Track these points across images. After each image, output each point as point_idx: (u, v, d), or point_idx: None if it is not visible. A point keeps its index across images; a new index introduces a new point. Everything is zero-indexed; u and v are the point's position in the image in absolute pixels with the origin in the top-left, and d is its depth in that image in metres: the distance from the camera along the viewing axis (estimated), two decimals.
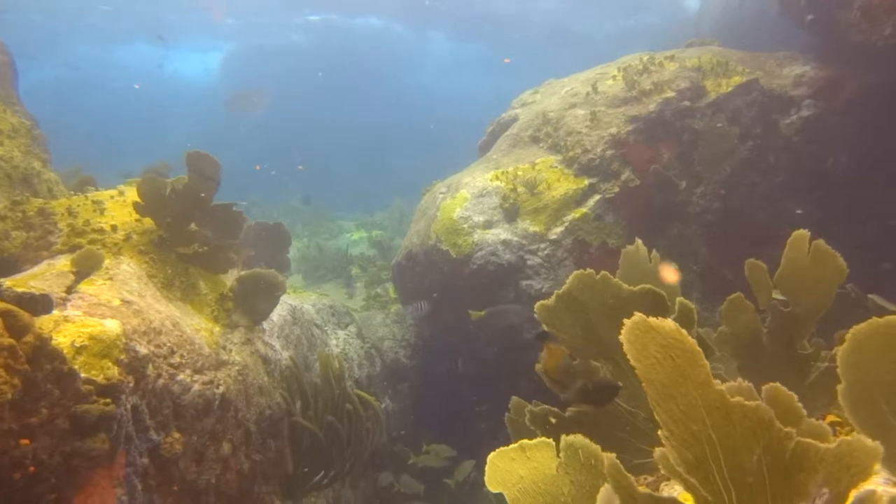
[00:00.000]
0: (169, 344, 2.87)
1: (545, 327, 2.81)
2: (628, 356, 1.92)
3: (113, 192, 3.77)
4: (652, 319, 1.94)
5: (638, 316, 1.94)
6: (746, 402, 1.25)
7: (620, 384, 2.55)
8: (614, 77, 5.92)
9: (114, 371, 2.38)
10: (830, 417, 2.57)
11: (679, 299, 2.74)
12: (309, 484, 3.85)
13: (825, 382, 2.55)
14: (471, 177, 5.98)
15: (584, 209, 5.40)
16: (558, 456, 2.44)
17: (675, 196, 5.30)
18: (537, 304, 2.76)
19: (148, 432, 2.58)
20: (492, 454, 2.51)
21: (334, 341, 5.65)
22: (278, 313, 4.48)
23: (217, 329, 3.49)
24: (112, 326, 2.53)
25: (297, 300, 5.24)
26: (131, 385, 2.49)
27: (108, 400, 2.27)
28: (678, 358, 1.46)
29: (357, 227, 11.11)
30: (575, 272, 2.70)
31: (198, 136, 24.29)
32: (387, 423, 5.84)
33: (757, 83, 5.34)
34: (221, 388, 3.12)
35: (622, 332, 1.65)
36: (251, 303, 3.87)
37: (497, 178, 5.78)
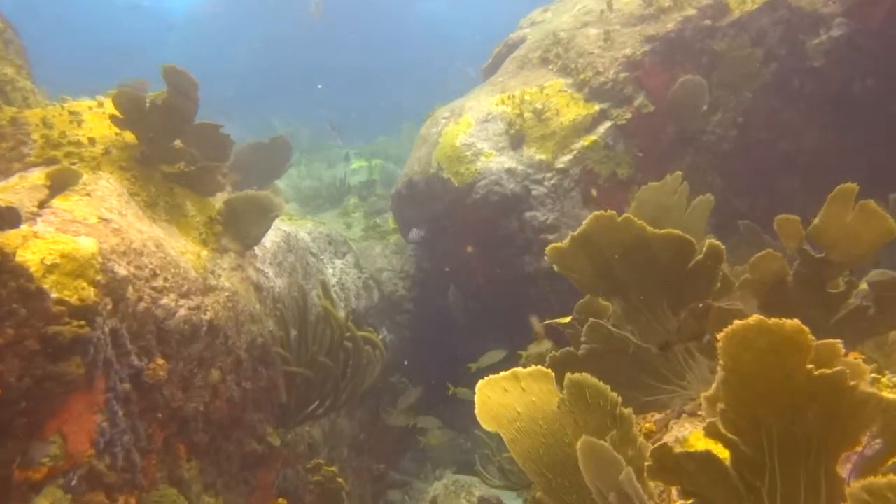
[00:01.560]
0: (151, 266, 2.70)
1: (556, 268, 2.63)
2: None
3: (91, 102, 3.52)
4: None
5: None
6: (827, 373, 1.07)
7: None
8: None
9: (89, 292, 2.23)
10: (854, 355, 2.44)
11: (709, 241, 2.55)
12: (303, 414, 3.78)
13: (854, 319, 2.39)
14: (475, 101, 5.68)
15: (593, 137, 5.14)
16: (560, 391, 2.32)
17: (693, 123, 5.02)
18: (549, 248, 2.57)
19: (129, 357, 2.45)
20: (481, 382, 2.36)
21: (331, 270, 5.51)
22: (271, 239, 4.31)
23: (205, 253, 3.33)
24: (87, 244, 2.35)
25: (292, 227, 5.07)
26: (109, 307, 2.34)
27: (83, 322, 2.12)
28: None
29: (357, 156, 10.81)
30: (594, 213, 2.49)
31: (192, 64, 23.50)
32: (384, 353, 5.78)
33: (785, 0, 4.97)
34: (209, 314, 2.98)
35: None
36: (242, 226, 3.69)
37: (503, 102, 5.48)
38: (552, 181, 5.13)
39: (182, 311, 2.78)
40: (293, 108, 18.33)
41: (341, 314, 4.19)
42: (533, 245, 5.27)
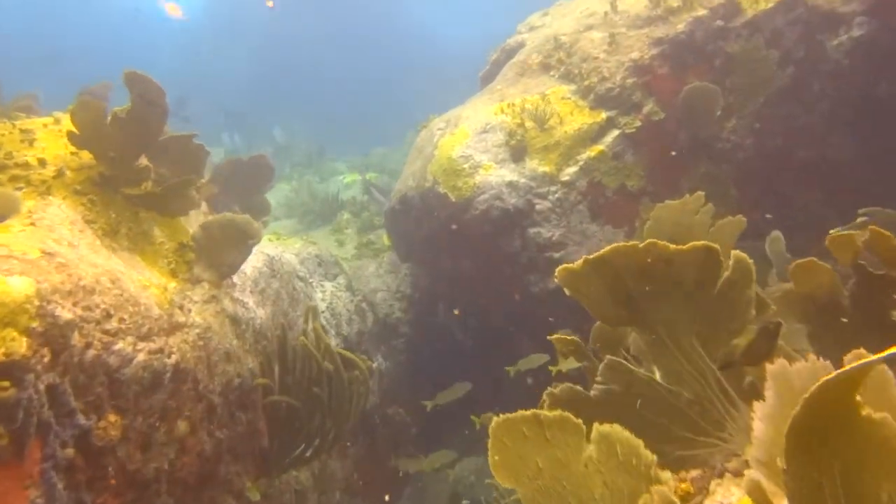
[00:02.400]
0: (104, 305, 2.35)
1: (568, 291, 2.30)
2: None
3: (47, 119, 3.18)
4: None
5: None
6: None
7: None
8: None
9: (19, 343, 1.88)
10: None
11: (735, 253, 2.22)
12: (288, 459, 3.42)
13: None
14: (472, 110, 5.36)
15: (600, 147, 4.82)
16: (587, 440, 1.99)
17: (707, 130, 4.70)
18: (559, 269, 2.26)
19: (74, 417, 2.09)
20: (496, 423, 2.04)
21: (320, 295, 5.16)
22: (253, 265, 3.96)
23: (173, 285, 2.98)
24: (19, 285, 2.00)
25: (277, 249, 4.72)
26: (47, 359, 1.99)
27: (7, 383, 1.77)
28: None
29: (350, 169, 10.49)
30: (614, 245, 2.18)
31: (184, 74, 23.26)
32: (379, 382, 5.43)
33: None
34: (174, 357, 2.63)
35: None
36: (218, 253, 3.34)
37: (502, 111, 5.16)
38: (557, 195, 4.80)
39: (141, 357, 2.43)
40: (291, 121, 18.06)
41: (330, 341, 3.84)
42: (538, 263, 4.93)
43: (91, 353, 2.21)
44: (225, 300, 3.35)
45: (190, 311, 2.97)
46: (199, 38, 23.76)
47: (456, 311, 5.63)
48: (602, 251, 2.23)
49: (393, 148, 12.62)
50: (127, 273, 2.68)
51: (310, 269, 5.41)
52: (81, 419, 2.12)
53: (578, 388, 2.42)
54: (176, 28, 24.81)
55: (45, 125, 3.11)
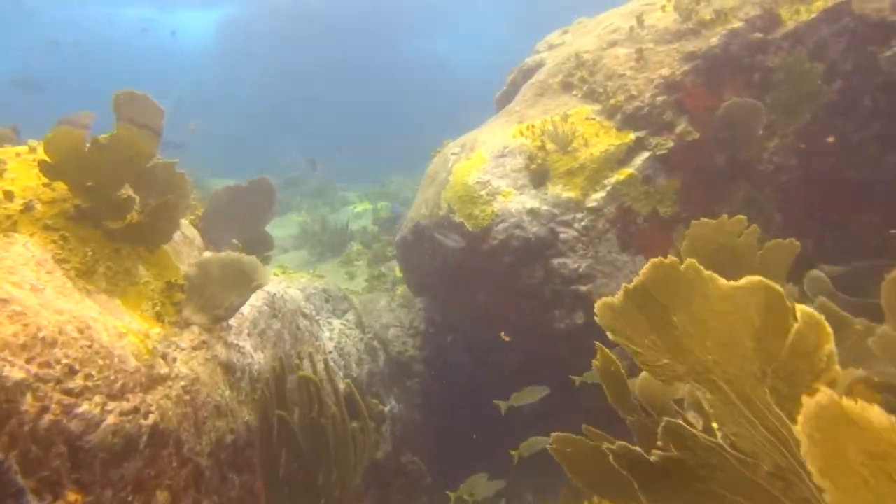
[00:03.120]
0: (67, 360, 2.03)
1: (611, 335, 1.94)
2: (809, 461, 1.25)
3: (21, 148, 2.92)
4: (851, 406, 1.20)
5: (825, 395, 1.24)
6: None
7: None
8: (664, 7, 4.94)
9: None
10: None
11: (825, 300, 1.85)
12: None
13: None
14: (489, 133, 5.06)
15: (629, 170, 4.48)
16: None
17: (746, 150, 4.36)
18: (599, 305, 1.90)
19: (22, 498, 1.75)
20: None
21: (327, 333, 4.82)
22: (251, 304, 3.64)
23: (157, 331, 2.65)
24: None
25: (280, 285, 4.40)
26: None
27: None
28: None
29: (361, 199, 10.24)
30: (652, 261, 1.83)
31: (194, 103, 23.41)
32: (392, 428, 5.05)
33: (847, 7, 4.34)
34: (153, 417, 2.29)
35: (799, 422, 1.26)
36: (214, 295, 3.02)
37: (521, 133, 4.86)
38: (583, 222, 4.46)
39: (111, 419, 2.10)
40: (301, 149, 17.97)
41: (338, 384, 3.50)
42: (563, 297, 4.57)
43: (47, 418, 1.88)
44: (217, 346, 3.02)
45: (175, 360, 2.64)
46: (208, 68, 24.00)
47: (504, 336, 5.25)
48: (641, 276, 1.87)
49: (410, 176, 12.36)
50: (101, 319, 2.36)
51: (317, 305, 5.08)
52: (33, 501, 1.78)
53: (637, 450, 2.05)
54: (186, 57, 25.12)
55: (18, 154, 2.84)
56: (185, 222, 3.78)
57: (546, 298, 4.64)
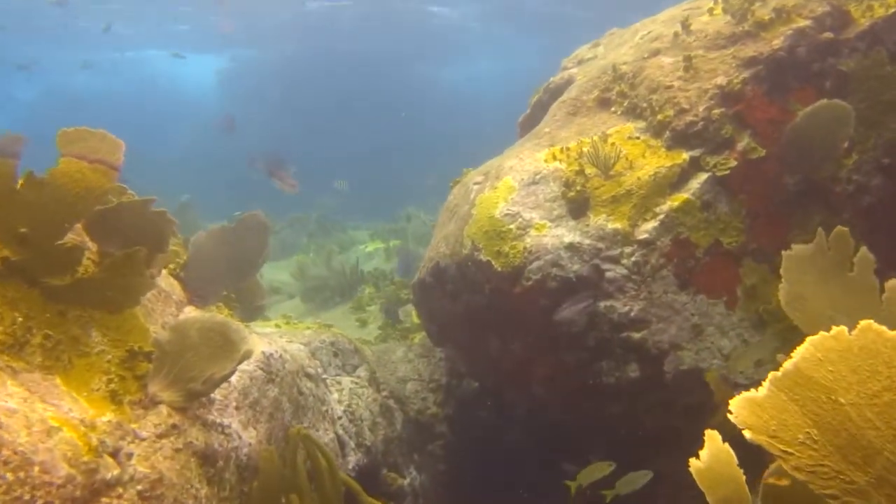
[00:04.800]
0: None
1: (749, 434, 1.36)
2: None
3: None
4: None
5: None
6: None
7: None
8: (711, 10, 4.42)
9: None
10: None
11: None
12: None
13: None
14: (516, 159, 4.51)
15: (685, 195, 3.90)
16: None
17: (823, 168, 3.76)
18: (738, 402, 1.35)
19: None
20: None
21: (336, 395, 4.21)
22: (241, 369, 3.05)
23: (107, 418, 2.07)
24: None
25: (278, 342, 3.82)
26: None
27: None
28: None
29: (372, 237, 9.71)
30: (812, 340, 1.25)
31: (201, 148, 23.34)
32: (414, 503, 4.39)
33: None
34: None
35: None
36: (191, 365, 2.45)
37: (554, 157, 4.30)
38: (633, 258, 3.86)
39: None
40: (306, 188, 17.54)
41: (337, 473, 2.88)
42: (612, 347, 3.95)
43: None
44: (192, 429, 2.42)
45: (131, 456, 2.05)
46: (213, 111, 24.00)
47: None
48: (798, 359, 1.34)
49: (425, 209, 11.81)
50: (23, 411, 1.79)
51: (323, 361, 4.49)
52: None
53: None
54: (190, 102, 25.16)
55: None
56: (162, 272, 3.23)
57: (591, 347, 4.02)
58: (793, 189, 3.92)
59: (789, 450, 1.30)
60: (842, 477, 1.24)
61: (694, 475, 1.79)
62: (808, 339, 1.27)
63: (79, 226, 2.55)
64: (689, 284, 3.88)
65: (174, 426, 2.33)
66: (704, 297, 3.89)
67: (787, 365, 1.29)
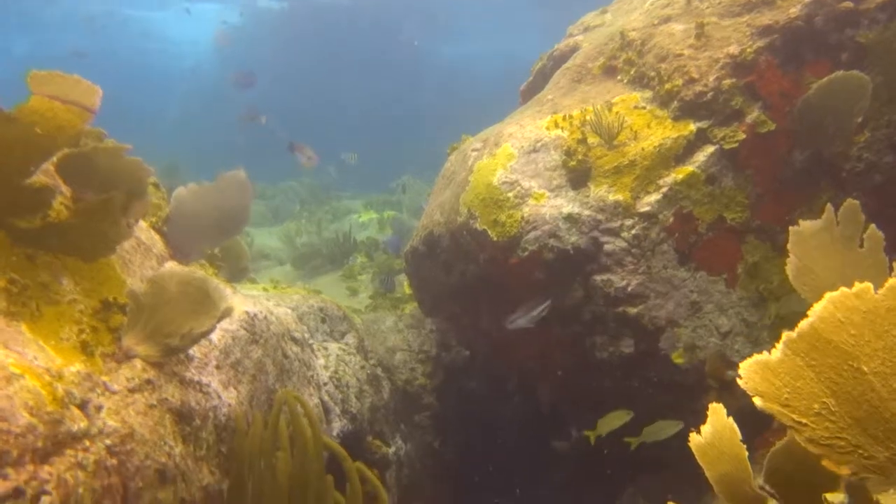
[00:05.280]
0: None
1: (759, 401, 1.27)
2: None
3: None
4: None
5: None
6: None
7: None
8: None
9: None
10: None
11: None
12: None
13: None
14: (517, 126, 4.38)
15: (689, 167, 3.79)
16: None
17: (837, 143, 3.65)
18: (748, 364, 1.25)
19: None
20: None
21: (322, 361, 4.12)
22: (223, 328, 2.95)
23: (76, 368, 1.97)
24: None
25: (265, 303, 3.71)
26: None
27: None
28: None
29: (366, 208, 9.57)
30: (831, 297, 1.14)
31: (195, 113, 23.02)
32: (398, 474, 4.33)
33: None
34: (48, 499, 1.60)
35: None
36: (169, 319, 2.34)
37: (556, 125, 4.18)
38: (634, 231, 3.76)
39: None
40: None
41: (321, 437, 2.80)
42: (606, 321, 3.87)
43: None
44: (169, 386, 2.32)
45: (100, 409, 1.95)
46: (209, 81, 23.57)
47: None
48: (815, 318, 1.24)
49: (422, 179, 11.61)
50: None
51: (311, 326, 4.40)
52: None
53: None
54: (186, 70, 24.73)
55: None
56: (142, 225, 3.11)
57: (585, 321, 3.95)
58: (801, 166, 3.81)
59: (803, 420, 1.21)
60: (860, 452, 1.14)
61: (694, 450, 1.71)
62: (828, 295, 1.16)
63: (52, 170, 2.43)
64: (690, 260, 3.78)
65: (148, 381, 2.24)
66: (705, 273, 3.80)
67: (804, 325, 1.19)
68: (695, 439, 1.69)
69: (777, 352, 1.24)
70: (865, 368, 1.14)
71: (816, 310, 1.19)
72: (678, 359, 3.72)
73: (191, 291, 2.39)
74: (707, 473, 1.65)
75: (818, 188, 3.85)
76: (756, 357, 1.25)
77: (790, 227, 2.69)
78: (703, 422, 1.68)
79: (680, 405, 3.71)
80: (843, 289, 1.15)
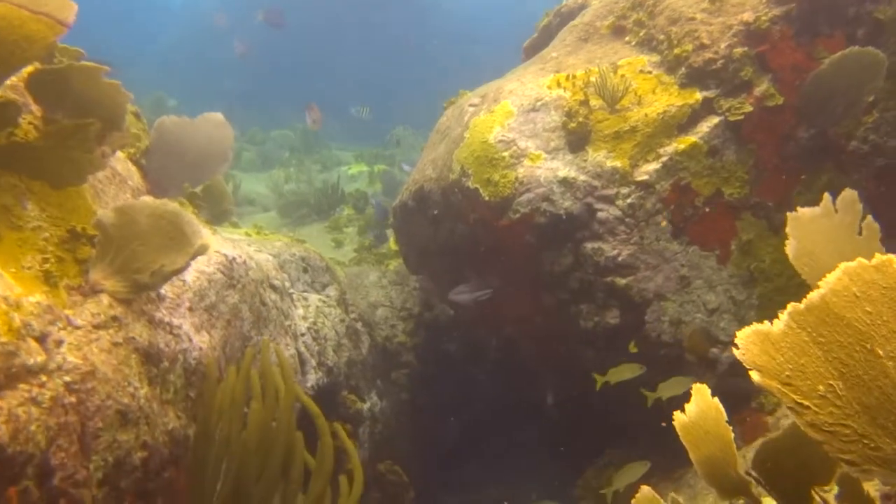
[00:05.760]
0: None
1: (757, 377, 1.19)
2: None
3: None
4: None
5: None
6: None
7: None
8: None
9: None
10: None
11: None
12: None
13: None
14: (518, 82, 4.23)
15: (692, 138, 3.68)
16: None
17: (843, 121, 3.56)
18: (745, 334, 1.15)
19: None
20: None
21: (301, 311, 4.04)
22: (198, 270, 2.85)
23: (37, 299, 1.86)
24: None
25: (245, 248, 3.60)
26: None
27: None
28: None
29: (357, 160, 9.38)
30: (846, 267, 1.03)
31: (187, 50, 22.36)
32: (371, 429, 4.30)
33: None
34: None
35: None
36: (138, 254, 2.23)
37: (558, 84, 4.04)
38: (629, 199, 3.67)
39: None
40: (298, 103, 16.98)
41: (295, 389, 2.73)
42: (595, 290, 3.81)
43: None
44: (136, 324, 2.23)
45: (60, 344, 1.86)
46: (204, 18, 22.78)
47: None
48: (821, 291, 1.15)
49: (416, 133, 11.35)
50: None
51: (292, 275, 4.30)
52: None
53: None
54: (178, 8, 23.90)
55: None
56: (119, 155, 2.97)
57: (573, 289, 3.88)
58: (805, 144, 3.72)
59: (806, 402, 1.12)
60: (866, 441, 1.07)
61: (678, 430, 1.64)
62: (843, 265, 1.07)
63: (21, 86, 2.28)
64: (683, 233, 3.71)
65: (115, 318, 2.14)
66: (697, 248, 3.73)
67: (814, 297, 1.10)
68: (679, 418, 1.62)
69: (780, 323, 1.16)
70: (880, 351, 1.06)
71: (830, 280, 1.10)
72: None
73: (163, 225, 2.27)
74: (691, 455, 1.59)
75: (820, 169, 3.77)
76: (756, 326, 1.16)
77: (787, 214, 2.60)
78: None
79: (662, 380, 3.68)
80: (861, 260, 1.06)
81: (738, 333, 1.19)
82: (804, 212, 2.62)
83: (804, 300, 1.13)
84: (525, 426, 5.12)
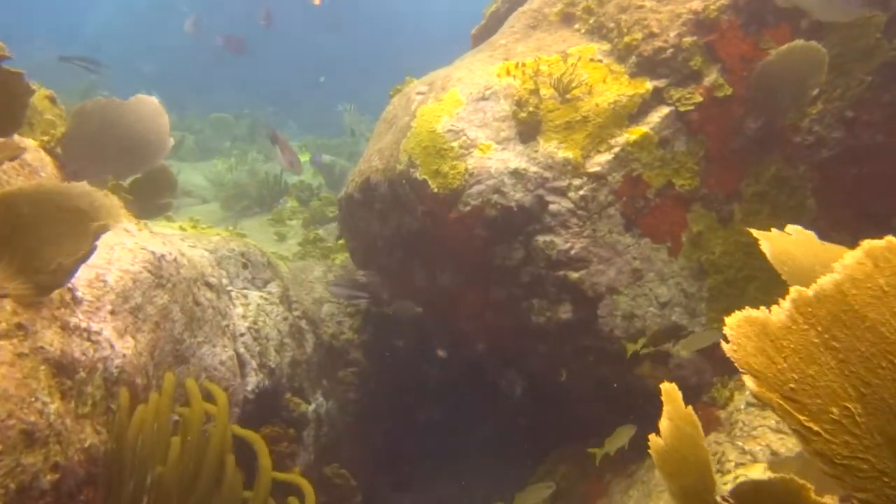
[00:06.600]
0: None
1: (753, 385, 1.05)
2: None
3: None
4: None
5: None
6: None
7: None
8: None
9: None
10: None
11: None
12: None
13: None
14: (466, 70, 4.10)
15: (643, 128, 3.63)
16: None
17: (787, 114, 3.57)
18: (735, 322, 0.98)
19: None
20: None
21: (241, 310, 3.83)
22: (122, 269, 2.62)
23: None
24: None
25: (177, 244, 3.36)
26: None
27: None
28: None
29: (301, 150, 9.10)
30: (868, 247, 0.88)
31: (123, 28, 21.39)
32: (316, 432, 4.14)
33: None
34: None
35: None
36: (33, 250, 2.00)
37: (508, 72, 3.92)
38: (581, 191, 3.59)
39: None
40: (240, 91, 16.47)
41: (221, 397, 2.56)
42: (546, 284, 3.73)
43: None
44: (46, 332, 2.01)
45: None
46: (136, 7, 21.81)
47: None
48: (833, 277, 0.98)
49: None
50: None
51: (230, 272, 4.08)
52: None
53: None
54: None
55: None
56: (31, 144, 2.71)
57: (524, 283, 3.80)
58: (753, 135, 3.72)
59: (814, 427, 0.92)
60: (886, 480, 0.89)
61: (654, 456, 1.47)
62: (866, 243, 0.90)
63: None
64: (636, 226, 3.67)
65: (20, 325, 1.92)
66: (649, 240, 3.69)
67: (826, 283, 0.91)
68: (655, 443, 1.45)
69: (781, 311, 0.96)
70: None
71: (847, 263, 0.89)
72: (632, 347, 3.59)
73: (49, 211, 2.03)
74: (668, 485, 1.44)
75: (767, 160, 3.77)
76: (749, 312, 0.97)
77: (775, 234, 2.48)
78: (653, 406, 1.51)
79: (616, 375, 3.65)
80: (890, 237, 0.89)
81: (727, 320, 1.02)
82: (787, 233, 2.51)
83: (813, 286, 0.93)
84: (478, 423, 5.03)
